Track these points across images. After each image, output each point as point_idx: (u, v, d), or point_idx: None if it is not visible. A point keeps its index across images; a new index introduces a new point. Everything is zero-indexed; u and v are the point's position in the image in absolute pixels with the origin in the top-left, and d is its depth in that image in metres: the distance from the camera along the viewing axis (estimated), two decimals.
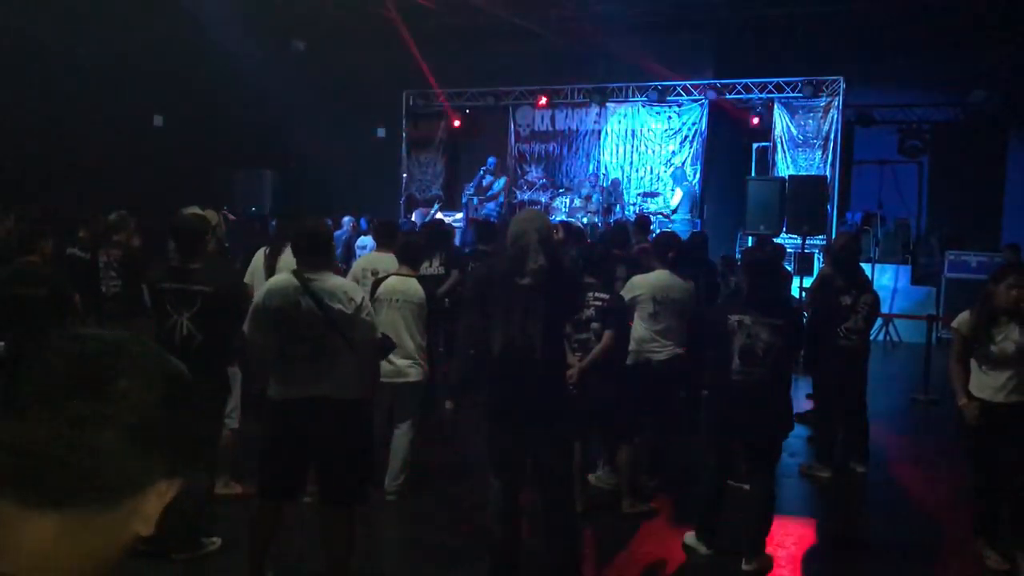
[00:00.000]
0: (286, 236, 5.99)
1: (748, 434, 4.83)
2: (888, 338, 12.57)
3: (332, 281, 4.04)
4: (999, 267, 5.05)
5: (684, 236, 9.71)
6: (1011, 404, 4.67)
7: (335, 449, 3.97)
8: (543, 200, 15.16)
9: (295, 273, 4.02)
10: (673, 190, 14.58)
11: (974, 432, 4.79)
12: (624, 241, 7.92)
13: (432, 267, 8.04)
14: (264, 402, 4.12)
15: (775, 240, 11.31)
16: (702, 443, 5.23)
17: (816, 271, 11.71)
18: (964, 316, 4.84)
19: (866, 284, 6.87)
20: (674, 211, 14.20)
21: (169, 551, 4.58)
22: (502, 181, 14.56)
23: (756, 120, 14.82)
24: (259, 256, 6.19)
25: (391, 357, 5.47)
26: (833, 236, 11.78)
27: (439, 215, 14.34)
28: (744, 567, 4.74)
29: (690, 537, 4.99)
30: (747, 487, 5.14)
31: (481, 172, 15.00)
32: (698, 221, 14.25)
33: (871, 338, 7.02)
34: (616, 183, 15.03)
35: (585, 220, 13.81)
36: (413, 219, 14.49)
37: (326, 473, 4.03)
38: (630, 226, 9.45)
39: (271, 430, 4.09)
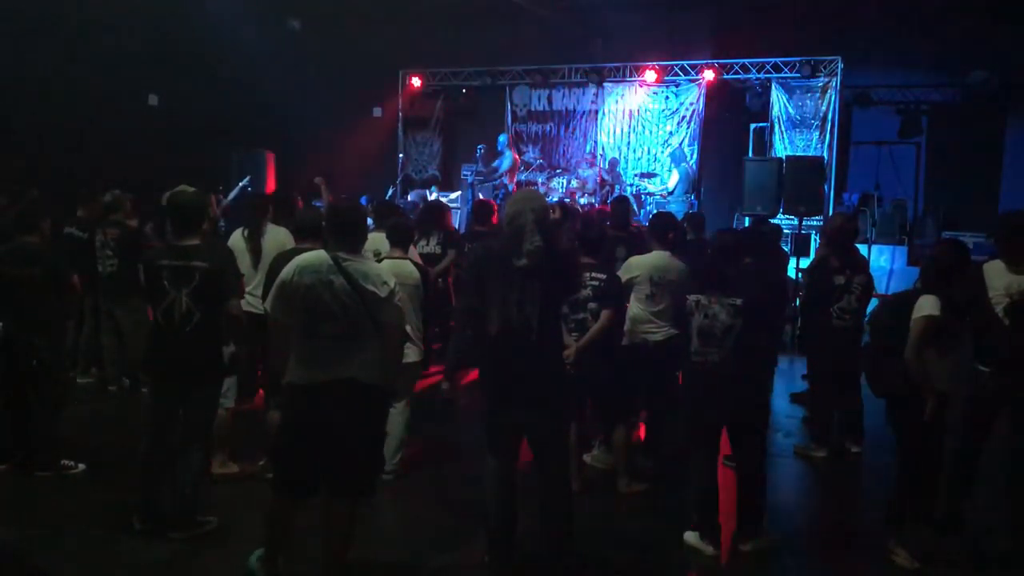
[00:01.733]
0: (266, 214, 5.99)
1: (718, 416, 4.76)
2: None
3: (366, 263, 4.02)
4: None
5: (680, 216, 9.72)
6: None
7: (355, 437, 3.90)
8: (540, 181, 15.12)
9: (331, 254, 3.95)
10: (671, 170, 14.55)
11: (926, 427, 4.56)
12: (623, 219, 7.91)
13: (429, 246, 8.05)
14: (285, 389, 4.00)
15: (771, 221, 11.29)
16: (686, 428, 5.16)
17: (812, 252, 11.73)
18: (932, 301, 4.51)
19: (861, 265, 6.88)
20: (671, 192, 14.17)
21: (166, 529, 4.61)
22: (509, 160, 14.46)
23: (754, 102, 14.75)
24: (237, 237, 6.08)
25: None
26: (830, 217, 11.75)
27: (434, 195, 14.32)
28: (742, 547, 4.77)
29: (693, 536, 4.84)
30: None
31: (480, 150, 14.84)
32: (695, 202, 14.22)
33: (866, 319, 7.04)
34: (614, 163, 14.99)
35: (583, 201, 13.79)
36: (410, 199, 14.45)
37: (340, 463, 3.91)
38: (629, 205, 9.45)
39: (294, 418, 3.97)
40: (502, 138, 14.70)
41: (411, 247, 6.14)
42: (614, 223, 7.80)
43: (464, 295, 4.27)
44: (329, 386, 3.86)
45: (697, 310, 4.67)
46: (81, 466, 5.59)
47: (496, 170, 14.37)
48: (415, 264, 5.82)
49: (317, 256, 3.99)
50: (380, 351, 3.94)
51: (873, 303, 6.50)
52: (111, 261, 7.39)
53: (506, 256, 4.01)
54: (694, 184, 14.26)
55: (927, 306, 4.49)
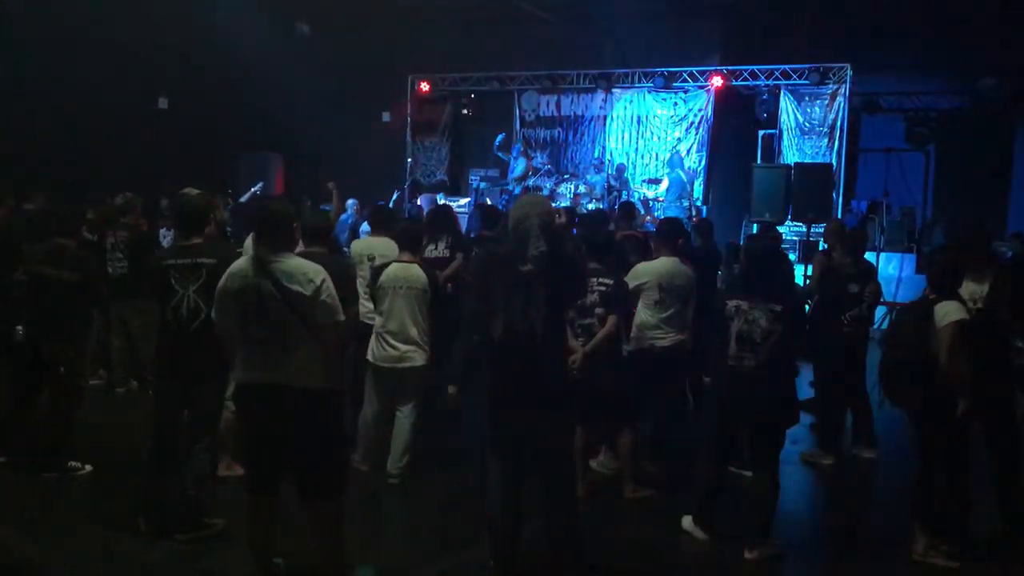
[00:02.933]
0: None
1: (746, 420, 4.84)
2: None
3: (291, 262, 3.93)
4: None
5: None
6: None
7: (301, 440, 3.88)
8: (548, 186, 15.13)
9: (255, 255, 3.94)
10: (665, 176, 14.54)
11: (956, 426, 4.65)
12: (627, 222, 7.92)
13: (438, 250, 8.04)
14: (235, 389, 4.11)
15: (777, 228, 11.30)
16: (703, 428, 5.25)
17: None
18: (955, 306, 4.60)
19: (872, 273, 6.89)
20: (662, 199, 14.11)
21: (172, 531, 4.62)
22: (522, 165, 14.46)
23: (762, 109, 14.73)
24: (249, 241, 6.10)
25: (393, 342, 5.52)
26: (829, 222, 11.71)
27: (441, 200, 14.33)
28: (747, 555, 4.75)
29: (687, 522, 5.02)
30: (749, 474, 5.16)
31: (497, 143, 14.69)
32: (704, 207, 14.21)
33: (875, 326, 7.06)
34: (621, 168, 14.99)
35: (591, 206, 13.79)
36: (419, 203, 14.46)
37: (299, 467, 3.94)
38: (634, 209, 9.47)
39: (244, 417, 4.10)
40: (517, 146, 14.67)
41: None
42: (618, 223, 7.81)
43: (469, 299, 4.27)
44: (265, 389, 3.88)
45: (737, 315, 4.71)
46: (88, 467, 5.61)
47: (507, 175, 14.38)
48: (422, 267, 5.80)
49: (245, 261, 3.99)
50: (318, 352, 3.87)
51: (880, 311, 6.50)
52: (121, 263, 7.42)
53: (511, 261, 4.02)
54: (686, 190, 14.10)
55: (953, 311, 4.55)
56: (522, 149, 14.64)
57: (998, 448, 4.91)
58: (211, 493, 4.87)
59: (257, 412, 3.95)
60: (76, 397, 5.70)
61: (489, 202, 13.71)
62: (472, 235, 8.81)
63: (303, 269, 3.90)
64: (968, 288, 4.93)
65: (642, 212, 13.23)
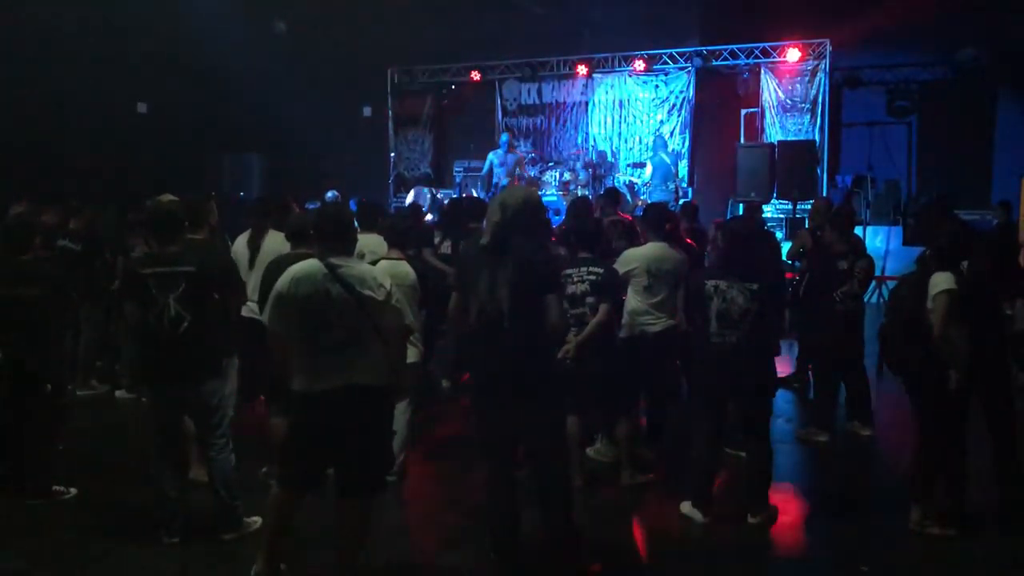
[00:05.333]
0: (266, 219, 5.97)
1: (730, 396, 4.98)
2: (881, 300, 12.59)
3: (360, 267, 4.02)
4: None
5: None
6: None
7: (364, 439, 3.92)
8: (533, 174, 15.09)
9: (321, 259, 3.95)
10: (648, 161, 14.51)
11: (950, 397, 4.68)
12: (613, 208, 7.91)
13: (444, 247, 8.02)
14: (291, 396, 4.02)
15: (762, 207, 11.32)
16: (695, 410, 5.30)
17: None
18: (947, 276, 4.65)
19: (861, 249, 6.91)
20: (647, 183, 14.10)
21: (218, 532, 4.64)
22: (512, 159, 14.39)
23: (743, 88, 14.73)
24: (240, 241, 6.07)
25: None
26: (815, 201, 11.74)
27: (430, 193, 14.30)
28: (750, 519, 4.90)
29: (686, 506, 5.05)
30: (744, 455, 5.21)
31: (505, 139, 14.52)
32: (688, 189, 14.21)
33: (865, 301, 7.08)
34: (602, 154, 14.95)
35: (579, 193, 13.75)
36: (412, 197, 14.38)
37: (351, 464, 3.95)
38: (618, 195, 9.45)
39: (303, 424, 3.99)
40: (504, 137, 14.60)
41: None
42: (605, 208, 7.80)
43: (455, 290, 4.27)
44: (335, 393, 3.87)
45: (716, 295, 4.85)
46: (72, 491, 5.38)
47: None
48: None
49: (311, 265, 3.98)
50: (383, 353, 3.95)
51: (872, 285, 6.53)
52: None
53: (478, 241, 4.09)
54: (671, 173, 14.06)
55: (943, 281, 4.63)
56: (509, 141, 14.50)
57: (995, 420, 4.93)
58: (206, 498, 4.83)
59: (323, 418, 3.90)
60: (59, 412, 5.53)
61: (474, 193, 13.66)
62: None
63: (372, 274, 4.00)
64: None
65: (629, 198, 13.20)
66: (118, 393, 7.77)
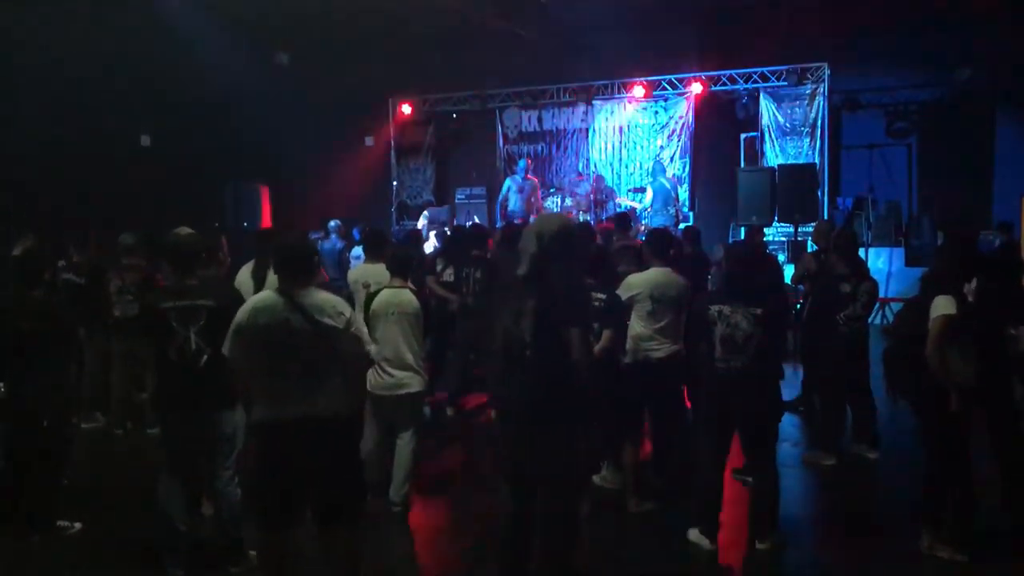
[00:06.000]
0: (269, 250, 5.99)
1: (738, 422, 4.94)
2: (884, 321, 12.59)
3: (319, 296, 4.01)
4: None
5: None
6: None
7: (332, 469, 3.92)
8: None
9: (280, 290, 3.99)
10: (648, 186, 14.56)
11: (952, 419, 4.67)
12: (624, 233, 7.93)
13: (447, 274, 8.03)
14: (253, 427, 4.03)
15: (764, 230, 11.34)
16: (700, 435, 5.28)
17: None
18: (947, 300, 4.66)
19: (865, 271, 6.92)
20: (648, 208, 14.15)
21: (226, 565, 4.64)
22: (530, 184, 14.47)
23: (743, 112, 14.79)
24: (244, 272, 6.09)
25: (390, 369, 5.50)
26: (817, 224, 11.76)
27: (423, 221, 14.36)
28: (758, 545, 4.88)
29: (693, 533, 5.03)
30: (750, 480, 5.19)
31: (523, 164, 14.67)
32: (688, 214, 14.24)
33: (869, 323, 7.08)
34: (599, 178, 14.98)
35: (581, 219, 13.79)
36: (423, 220, 14.43)
37: (323, 495, 3.96)
38: (629, 220, 9.48)
39: (265, 456, 3.98)
40: (521, 163, 14.66)
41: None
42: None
43: (473, 317, 4.25)
44: (296, 423, 3.88)
45: (720, 320, 4.83)
46: (77, 525, 5.38)
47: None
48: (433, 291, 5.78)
49: (270, 295, 4.02)
50: (343, 383, 3.96)
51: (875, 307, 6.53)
52: (132, 305, 7.27)
53: (509, 268, 4.04)
54: (671, 198, 14.08)
55: (942, 305, 4.64)
56: (527, 167, 14.54)
57: (1000, 442, 4.91)
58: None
59: (286, 447, 3.91)
60: (64, 448, 5.49)
61: (476, 220, 13.71)
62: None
63: (332, 302, 4.00)
64: None
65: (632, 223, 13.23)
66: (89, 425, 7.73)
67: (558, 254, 3.94)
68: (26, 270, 5.42)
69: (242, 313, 4.00)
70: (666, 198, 13.78)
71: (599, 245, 7.09)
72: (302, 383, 3.88)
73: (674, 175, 14.70)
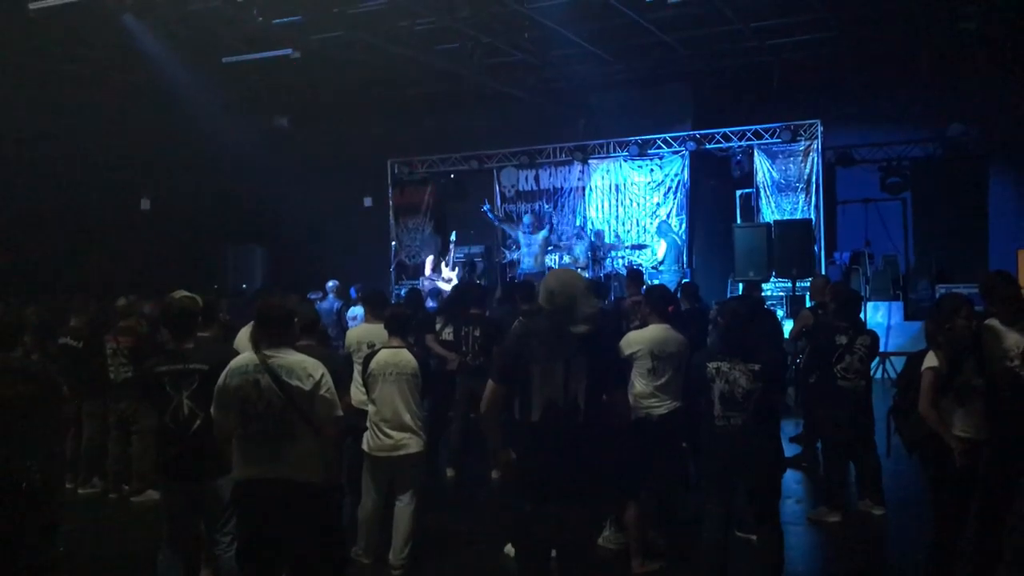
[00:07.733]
0: None
1: (739, 479, 4.90)
2: (885, 375, 12.55)
3: (292, 358, 4.03)
4: (947, 302, 4.99)
5: (672, 287, 9.76)
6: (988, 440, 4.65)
7: (300, 536, 3.89)
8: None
9: (255, 351, 4.01)
10: (658, 242, 14.64)
11: (957, 478, 4.63)
12: (636, 288, 7.96)
13: (446, 333, 8.02)
14: (233, 486, 4.08)
15: (762, 286, 11.37)
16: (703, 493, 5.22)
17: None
18: (932, 356, 4.68)
19: (861, 324, 6.90)
20: (661, 263, 14.23)
21: None
22: (543, 234, 14.61)
23: (738, 169, 14.95)
24: (243, 334, 6.08)
25: (388, 431, 5.45)
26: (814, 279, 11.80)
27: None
28: None
29: None
30: (755, 538, 5.12)
31: (528, 226, 14.83)
32: (688, 271, 14.29)
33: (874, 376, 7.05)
34: (599, 235, 15.09)
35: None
36: (427, 276, 14.48)
37: (297, 561, 3.94)
38: (641, 276, 9.53)
39: (241, 517, 4.04)
40: (527, 219, 14.80)
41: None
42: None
43: (492, 379, 3.94)
44: (265, 484, 3.90)
45: (718, 376, 4.81)
46: None
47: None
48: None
49: (244, 357, 4.05)
50: (316, 447, 3.95)
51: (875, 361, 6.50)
52: (125, 368, 7.30)
53: (554, 330, 3.76)
54: (682, 254, 14.28)
55: (930, 360, 4.68)
56: (532, 223, 14.71)
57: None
58: None
59: (257, 508, 3.93)
60: (54, 513, 5.36)
61: (479, 268, 13.85)
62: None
63: (303, 364, 3.99)
64: (1012, 339, 4.82)
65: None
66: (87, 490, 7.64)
67: (567, 310, 3.75)
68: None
69: (221, 375, 4.04)
70: (678, 254, 13.87)
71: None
72: (270, 443, 3.90)
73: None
